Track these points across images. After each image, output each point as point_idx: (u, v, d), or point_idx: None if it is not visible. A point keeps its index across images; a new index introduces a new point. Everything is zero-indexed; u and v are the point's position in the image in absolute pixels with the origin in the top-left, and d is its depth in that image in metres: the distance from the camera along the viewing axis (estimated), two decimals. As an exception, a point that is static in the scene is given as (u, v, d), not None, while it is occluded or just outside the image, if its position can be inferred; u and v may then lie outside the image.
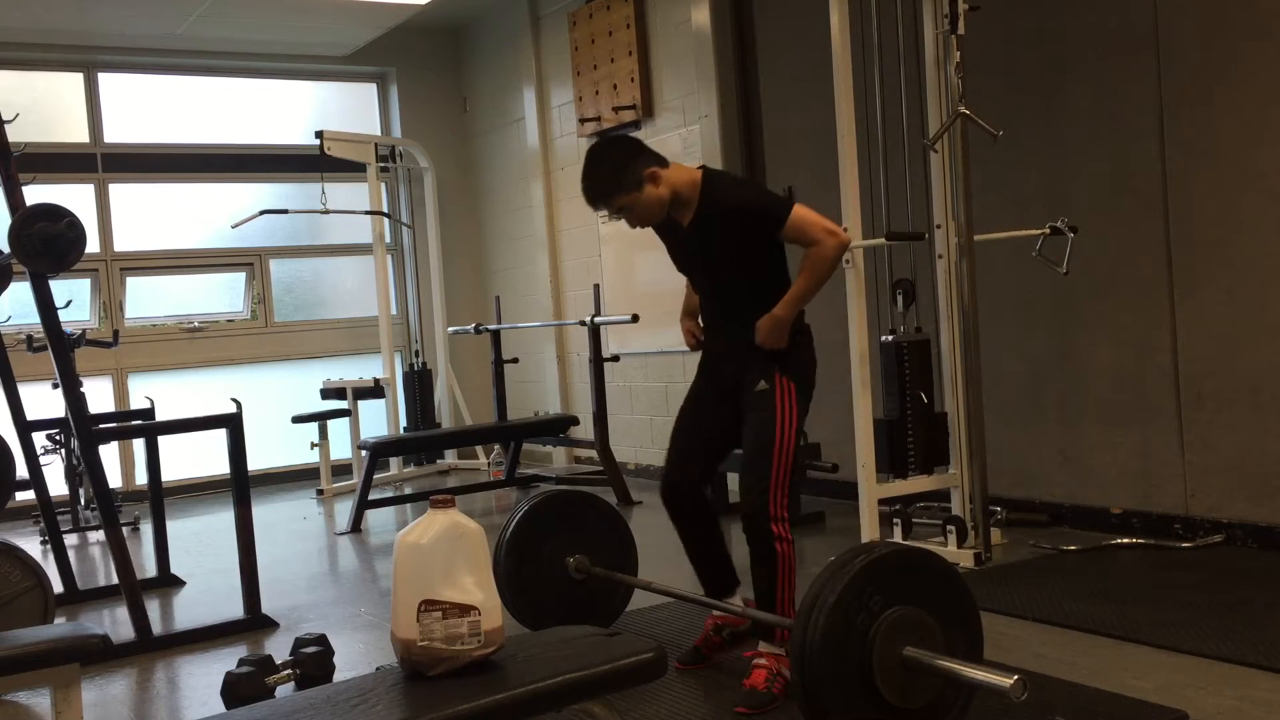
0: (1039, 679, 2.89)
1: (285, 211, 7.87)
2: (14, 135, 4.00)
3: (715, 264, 3.18)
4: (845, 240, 3.04)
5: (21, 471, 4.27)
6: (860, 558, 2.38)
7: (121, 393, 7.86)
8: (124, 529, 5.19)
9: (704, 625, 3.33)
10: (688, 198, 3.07)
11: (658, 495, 3.30)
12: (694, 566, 3.32)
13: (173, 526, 5.62)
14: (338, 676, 3.20)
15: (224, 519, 5.94)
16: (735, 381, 3.14)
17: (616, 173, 3.03)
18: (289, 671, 3.12)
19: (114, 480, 7.23)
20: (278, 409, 7.57)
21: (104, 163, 7.91)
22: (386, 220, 8.15)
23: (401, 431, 7.98)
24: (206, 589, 4.89)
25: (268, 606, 4.23)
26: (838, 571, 2.35)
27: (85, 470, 5.17)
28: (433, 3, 7.60)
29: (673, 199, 3.07)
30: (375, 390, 7.51)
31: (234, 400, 4.20)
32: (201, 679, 3.59)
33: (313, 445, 7.29)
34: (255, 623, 4.13)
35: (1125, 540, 4.42)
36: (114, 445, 7.55)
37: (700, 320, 3.39)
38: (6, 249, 3.93)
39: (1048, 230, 4.31)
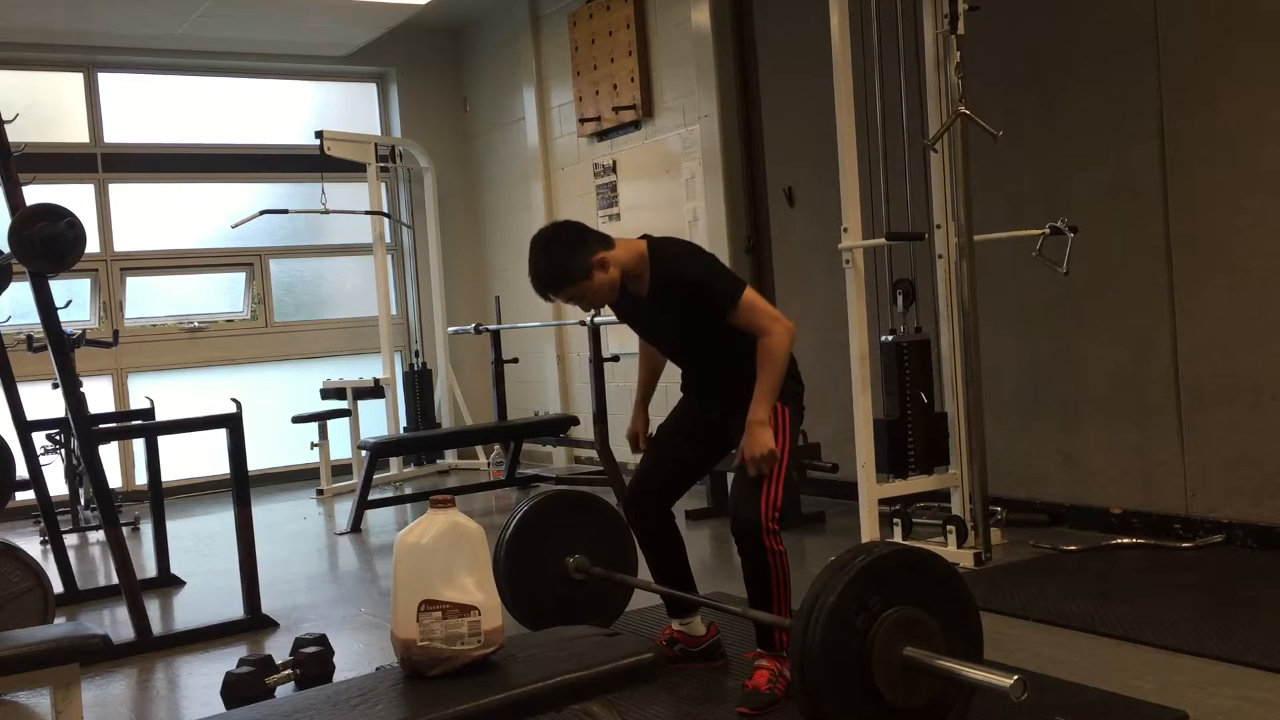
0: (1039, 679, 2.89)
1: (285, 211, 7.87)
2: (14, 135, 3.99)
3: (681, 327, 3.18)
4: (791, 327, 2.99)
5: (21, 471, 4.27)
6: (860, 558, 2.38)
7: (121, 393, 7.86)
8: (124, 529, 5.19)
9: (659, 635, 3.33)
10: (638, 272, 3.06)
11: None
12: (655, 581, 3.32)
13: (173, 526, 5.62)
14: (338, 676, 3.20)
15: (224, 519, 5.93)
16: (723, 416, 3.16)
17: (564, 264, 2.99)
18: (289, 671, 3.12)
19: (114, 480, 7.23)
20: (278, 409, 7.56)
21: (104, 163, 7.91)
22: (386, 220, 8.15)
23: (401, 431, 7.98)
24: (206, 589, 4.89)
25: (268, 606, 4.23)
26: (838, 572, 2.35)
27: (85, 470, 5.17)
28: (433, 3, 7.60)
29: (624, 278, 3.06)
30: (375, 390, 7.50)
31: (234, 400, 4.20)
32: (201, 679, 3.59)
33: (313, 445, 7.29)
34: (255, 623, 4.13)
35: (1125, 540, 4.41)
36: (114, 445, 7.55)
37: (647, 411, 3.48)
38: (6, 249, 3.93)
39: (1048, 230, 4.31)
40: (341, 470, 7.71)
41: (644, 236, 3.14)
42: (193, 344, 8.12)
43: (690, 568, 3.34)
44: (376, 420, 7.92)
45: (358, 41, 8.25)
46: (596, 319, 6.36)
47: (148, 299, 8.11)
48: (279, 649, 3.56)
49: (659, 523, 3.27)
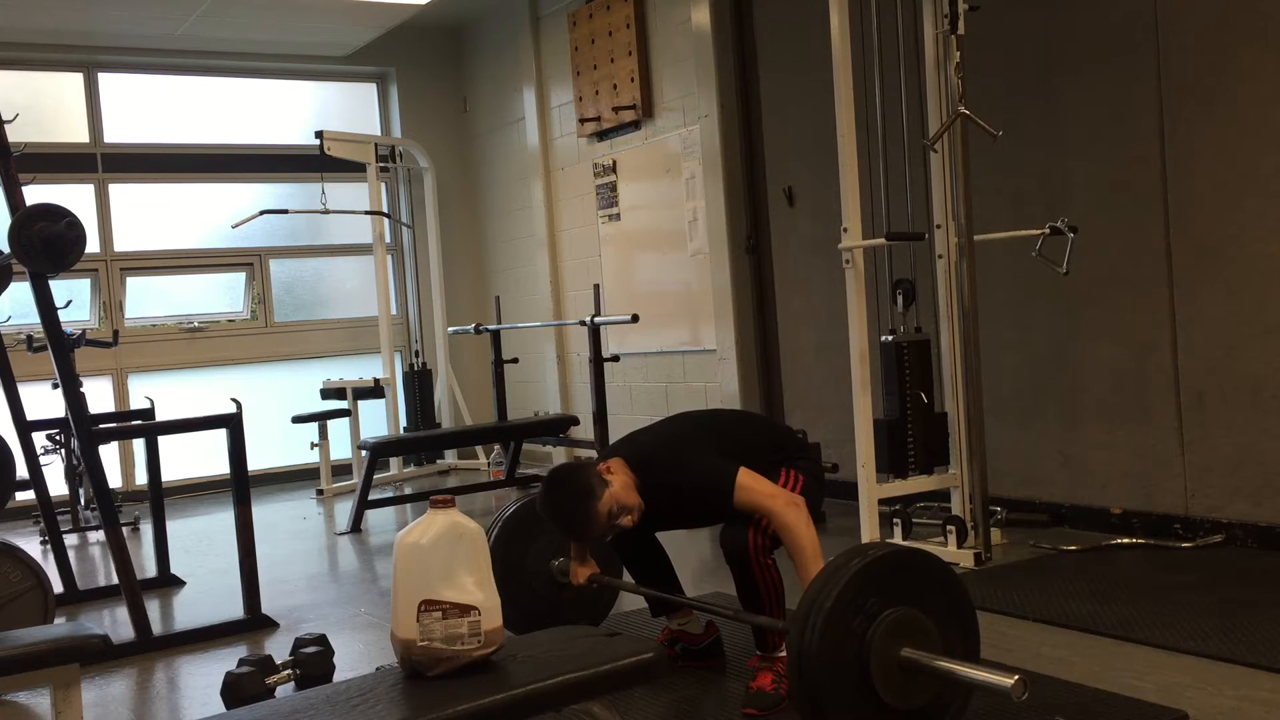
0: (1039, 679, 2.89)
1: (285, 211, 7.87)
2: (14, 135, 3.99)
3: (689, 511, 3.18)
4: (796, 501, 2.86)
5: (21, 471, 4.27)
6: (856, 560, 2.37)
7: (121, 393, 7.86)
8: (124, 529, 5.18)
9: (659, 635, 3.33)
10: (634, 483, 3.03)
11: None
12: (637, 583, 3.33)
13: (173, 526, 5.62)
14: (338, 676, 3.20)
15: (224, 519, 5.93)
16: None
17: (582, 521, 2.97)
18: (289, 671, 3.12)
19: (114, 480, 7.23)
20: (278, 409, 7.57)
21: (104, 163, 7.91)
22: (386, 220, 8.15)
23: (401, 431, 7.98)
24: (206, 589, 4.89)
25: (268, 606, 4.23)
26: (833, 574, 2.35)
27: (85, 470, 5.17)
28: (433, 3, 7.60)
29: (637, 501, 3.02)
30: (375, 390, 7.51)
31: (234, 400, 4.20)
32: (201, 679, 3.60)
33: (313, 445, 7.29)
34: (255, 623, 4.13)
35: (1125, 540, 4.41)
36: (114, 445, 7.55)
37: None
38: (6, 249, 3.93)
39: (1048, 230, 4.31)
40: (341, 470, 7.71)
41: (615, 451, 3.12)
42: (193, 344, 8.12)
43: (674, 570, 3.34)
44: (376, 420, 7.93)
45: (358, 41, 8.25)
46: (597, 319, 6.37)
47: (148, 299, 8.11)
48: (279, 649, 3.56)
49: (638, 546, 3.29)
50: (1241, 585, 3.71)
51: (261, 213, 7.78)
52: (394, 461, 8.12)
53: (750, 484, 2.90)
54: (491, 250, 8.82)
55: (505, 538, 3.42)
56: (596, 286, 6.60)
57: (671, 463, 3.04)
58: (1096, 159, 4.62)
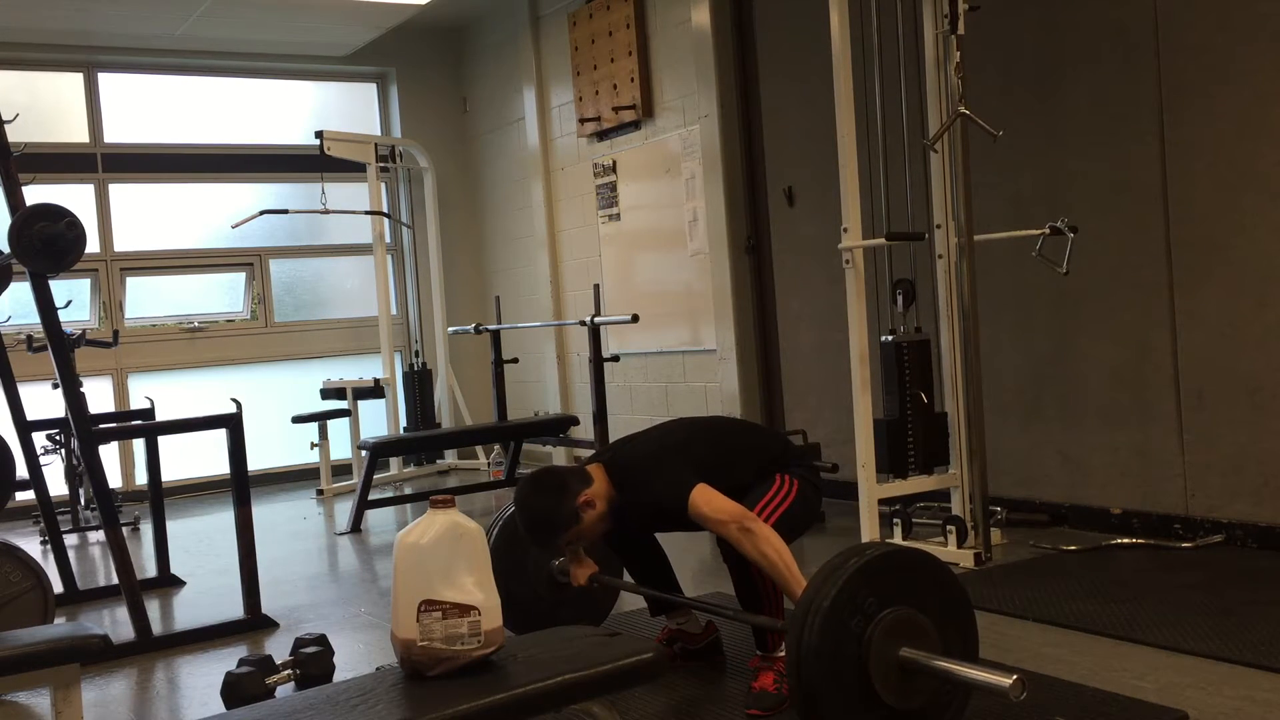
0: (1039, 679, 2.89)
1: (285, 211, 7.87)
2: (14, 135, 3.99)
3: (665, 522, 3.16)
4: (747, 525, 2.81)
5: (21, 471, 4.27)
6: (853, 560, 2.37)
7: (121, 393, 7.86)
8: (124, 529, 5.18)
9: (659, 634, 3.33)
10: (614, 496, 3.05)
11: None
12: (637, 583, 3.34)
13: (173, 526, 5.62)
14: (338, 676, 3.20)
15: (224, 519, 5.93)
16: None
17: (551, 519, 2.98)
18: (289, 671, 3.12)
19: (114, 480, 7.24)
20: (278, 409, 7.57)
21: (104, 163, 7.91)
22: (386, 220, 8.15)
23: (401, 431, 7.98)
24: (206, 589, 4.89)
25: (268, 606, 4.23)
26: (831, 575, 2.35)
27: (85, 470, 5.17)
28: (433, 3, 7.60)
29: (610, 507, 3.03)
30: (375, 390, 7.51)
31: (234, 400, 4.21)
32: (201, 679, 3.60)
33: (313, 445, 7.29)
34: (255, 623, 4.13)
35: (1125, 540, 4.42)
36: (114, 445, 7.55)
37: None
38: (6, 249, 3.93)
39: (1048, 230, 4.31)
40: (341, 470, 7.71)
41: (598, 458, 3.14)
42: (193, 344, 8.12)
43: (672, 569, 3.34)
44: (376, 420, 7.93)
45: (358, 41, 8.25)
46: (597, 319, 6.37)
47: (148, 299, 8.11)
48: (279, 649, 3.56)
49: (637, 546, 3.30)
50: (1241, 585, 3.71)
51: (261, 213, 7.78)
52: (394, 461, 8.12)
53: (703, 506, 2.87)
54: (491, 250, 8.82)
55: (505, 538, 3.41)
56: (596, 286, 6.60)
57: (641, 479, 3.03)
58: (1096, 159, 4.62)
